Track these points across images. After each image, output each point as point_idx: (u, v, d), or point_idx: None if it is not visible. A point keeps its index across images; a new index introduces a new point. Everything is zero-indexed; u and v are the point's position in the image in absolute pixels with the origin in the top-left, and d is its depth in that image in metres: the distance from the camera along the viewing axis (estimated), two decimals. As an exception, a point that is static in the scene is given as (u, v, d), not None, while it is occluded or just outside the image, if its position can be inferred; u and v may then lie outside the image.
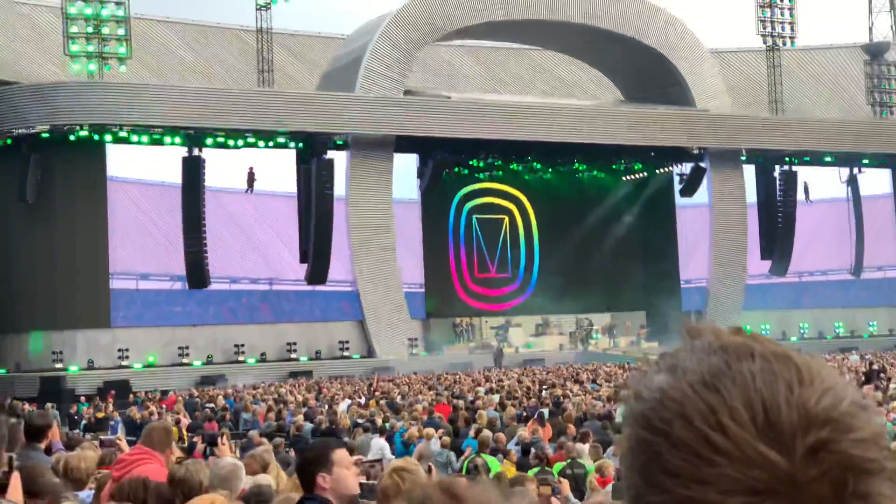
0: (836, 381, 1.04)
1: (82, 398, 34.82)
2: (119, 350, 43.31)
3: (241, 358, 45.16)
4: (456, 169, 51.61)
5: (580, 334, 52.35)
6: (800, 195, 55.67)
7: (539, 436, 16.31)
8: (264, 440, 15.16)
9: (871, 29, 72.57)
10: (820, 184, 56.68)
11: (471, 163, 51.97)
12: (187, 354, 44.27)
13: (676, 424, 1.02)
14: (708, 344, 1.08)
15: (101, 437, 12.83)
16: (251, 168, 46.44)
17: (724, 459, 1.00)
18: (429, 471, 7.70)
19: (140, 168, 44.48)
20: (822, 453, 0.98)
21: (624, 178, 55.85)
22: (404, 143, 47.89)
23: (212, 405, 27.17)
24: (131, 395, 34.69)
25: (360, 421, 20.51)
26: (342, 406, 24.83)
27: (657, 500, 1.03)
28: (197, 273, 44.39)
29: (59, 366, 42.04)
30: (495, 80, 61.54)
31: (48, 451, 8.07)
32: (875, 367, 26.98)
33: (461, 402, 22.04)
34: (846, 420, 1.00)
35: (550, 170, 54.03)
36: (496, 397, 23.87)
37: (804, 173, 55.61)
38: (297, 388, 32.94)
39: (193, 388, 37.09)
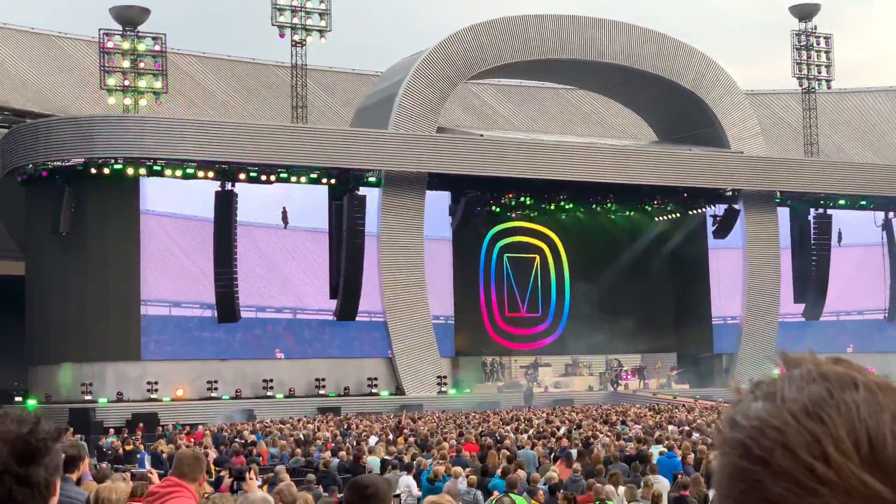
0: None
1: (111, 430, 34.81)
2: (148, 383, 43.35)
3: (269, 393, 45.09)
4: (488, 207, 51.58)
5: (610, 375, 51.98)
6: (833, 239, 55.20)
7: (579, 475, 16.12)
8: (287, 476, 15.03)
9: (907, 73, 72.19)
10: (855, 228, 56.20)
11: (503, 201, 51.93)
12: (216, 388, 44.27)
13: (778, 453, 1.00)
14: (808, 372, 1.04)
15: (133, 471, 12.76)
16: (284, 208, 46.56)
17: (828, 490, 0.98)
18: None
19: (173, 201, 44.69)
20: None
21: (656, 219, 55.59)
22: (436, 181, 47.93)
23: (240, 440, 27.07)
24: (159, 428, 34.65)
25: (387, 458, 20.36)
26: (371, 442, 24.67)
27: None
28: (227, 307, 44.46)
29: (88, 398, 42.13)
30: (528, 118, 61.67)
31: (78, 482, 8.01)
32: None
33: (490, 441, 21.83)
34: None
35: (583, 209, 53.89)
36: (524, 437, 23.65)
37: (839, 217, 55.15)
38: (326, 424, 32.80)
39: (222, 423, 37.01)
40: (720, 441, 1.07)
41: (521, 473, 14.77)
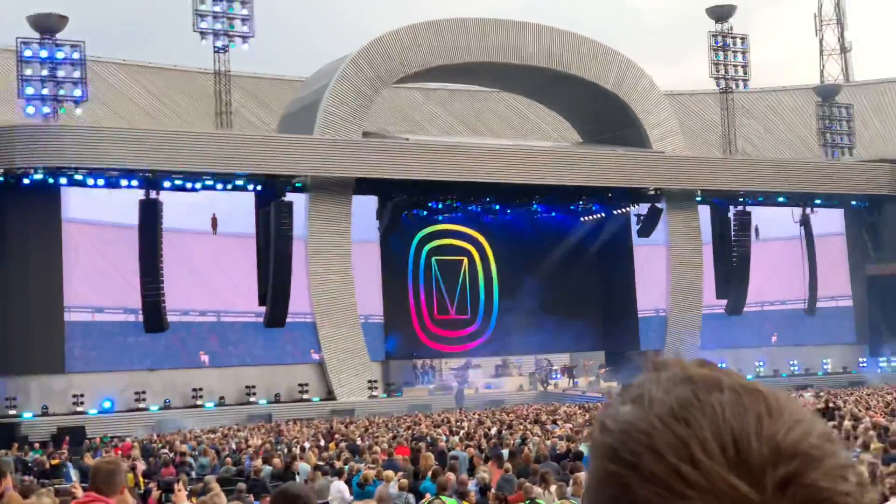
0: (805, 414, 1.04)
1: (36, 445, 34.28)
2: (74, 395, 42.77)
3: (198, 402, 44.74)
4: (415, 210, 51.73)
5: (540, 375, 52.42)
6: (752, 235, 56.24)
7: (511, 474, 16.33)
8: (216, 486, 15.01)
9: (822, 71, 73.91)
10: (774, 223, 57.35)
11: (430, 204, 52.13)
12: (144, 399, 43.81)
13: (646, 457, 1.01)
14: (674, 375, 1.08)
15: (57, 487, 12.66)
16: (213, 215, 46.35)
17: (696, 493, 0.98)
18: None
19: (97, 210, 44.14)
20: (793, 487, 0.98)
21: (582, 220, 56.22)
22: (363, 185, 47.96)
23: (168, 451, 26.87)
24: (86, 441, 34.21)
25: (319, 464, 20.39)
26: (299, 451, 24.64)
27: None
28: (154, 316, 44.02)
29: (12, 412, 41.41)
30: (454, 121, 61.94)
31: (0, 496, 7.97)
32: (830, 404, 27.23)
33: (422, 444, 21.96)
34: (815, 453, 1.00)
35: (509, 211, 54.30)
36: (455, 439, 23.82)
37: (758, 213, 56.25)
38: (256, 432, 32.67)
39: (151, 434, 36.66)
40: (592, 445, 1.08)
41: (452, 476, 14.92)
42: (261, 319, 46.76)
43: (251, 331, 47.28)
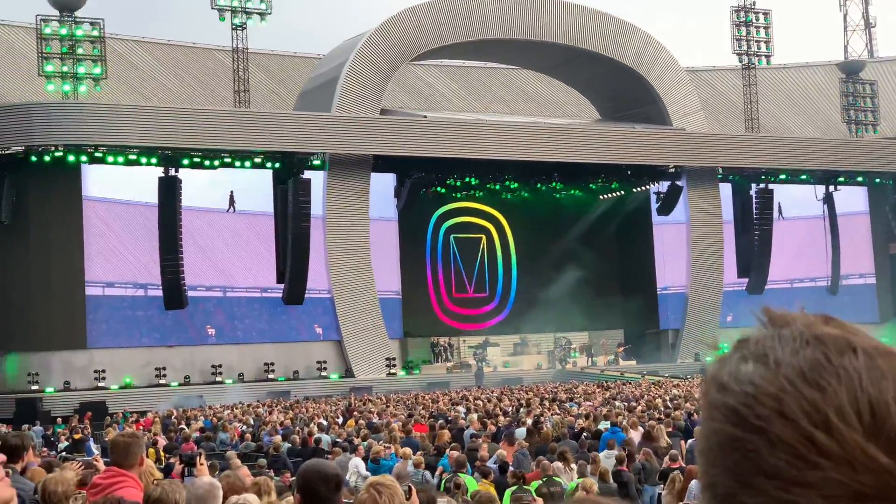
0: None
1: (59, 420, 34.52)
2: (95, 371, 43.04)
3: (218, 379, 44.93)
4: (433, 188, 51.62)
5: (558, 353, 52.36)
6: (775, 213, 55.93)
7: (525, 450, 16.32)
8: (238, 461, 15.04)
9: (846, 47, 73.28)
10: (797, 201, 57.00)
11: (448, 182, 52.01)
12: (164, 375, 44.03)
13: (776, 422, 0.95)
14: (800, 334, 1.00)
15: (79, 459, 12.70)
16: (231, 192, 46.51)
17: (830, 462, 0.93)
18: (408, 491, 7.64)
19: (116, 188, 44.28)
20: None
21: (601, 197, 55.98)
22: (381, 163, 47.89)
23: (188, 427, 26.97)
24: (107, 417, 34.41)
25: (337, 440, 20.44)
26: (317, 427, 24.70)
27: (752, 503, 0.96)
28: (174, 293, 44.17)
29: (35, 388, 41.71)
30: (472, 99, 61.72)
31: (23, 472, 7.98)
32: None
33: (440, 422, 21.96)
34: None
35: (528, 189, 54.11)
36: (475, 416, 23.81)
37: (780, 191, 55.91)
38: (275, 408, 32.77)
39: (172, 409, 36.84)
40: (708, 405, 1.01)
41: (471, 454, 14.90)
42: (279, 296, 46.84)
43: (269, 307, 47.38)
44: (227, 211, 46.94)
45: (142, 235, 44.57)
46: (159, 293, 44.44)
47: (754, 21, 56.93)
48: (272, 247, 47.03)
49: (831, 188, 57.38)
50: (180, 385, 44.10)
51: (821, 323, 1.02)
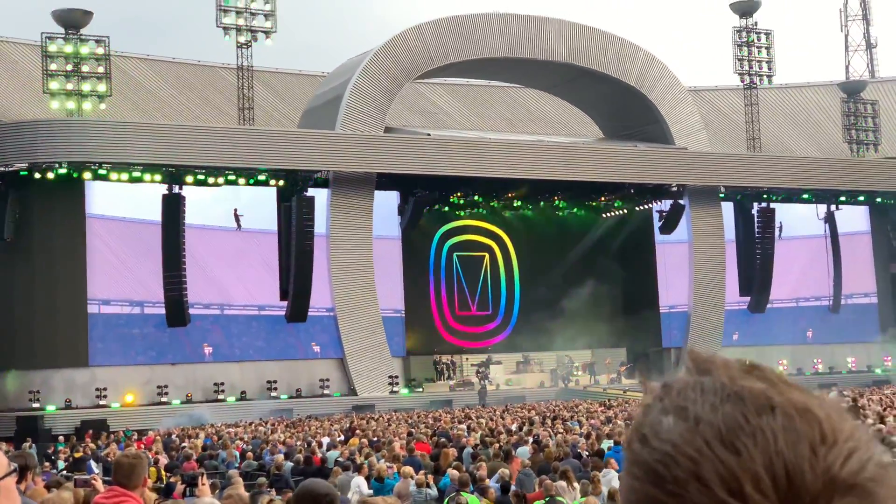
0: (860, 437, 0.98)
1: (60, 438, 34.48)
2: (97, 389, 43.00)
3: (220, 396, 44.89)
4: (436, 206, 51.69)
5: (561, 372, 52.31)
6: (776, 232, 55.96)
7: (529, 469, 16.32)
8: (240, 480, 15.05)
9: (847, 67, 73.42)
10: (799, 220, 57.04)
11: (451, 200, 52.08)
12: (166, 393, 43.99)
13: (692, 487, 0.95)
14: (721, 387, 1.00)
15: (76, 477, 12.70)
16: (235, 210, 46.59)
17: None
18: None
19: (120, 205, 44.35)
20: None
21: (604, 216, 56.04)
22: (385, 181, 47.98)
23: (189, 445, 26.95)
24: (104, 435, 34.26)
25: (340, 459, 20.42)
26: (324, 443, 24.69)
27: None
28: (177, 311, 44.18)
29: (36, 405, 41.67)
30: (476, 117, 61.87)
31: (25, 491, 8.00)
32: (857, 403, 27.04)
33: (443, 440, 21.94)
34: (871, 486, 0.94)
35: (531, 207, 54.17)
36: (477, 435, 23.79)
37: (782, 210, 55.96)
38: (279, 427, 32.74)
39: (172, 428, 36.81)
40: (629, 458, 1.02)
41: (474, 472, 14.89)
42: (282, 313, 46.85)
43: (272, 325, 47.39)
44: (236, 230, 46.93)
45: (146, 253, 44.61)
46: (162, 311, 44.46)
47: (756, 41, 57.08)
48: (275, 264, 47.06)
49: (833, 207, 57.41)
50: (182, 403, 44.05)
51: (744, 373, 1.02)
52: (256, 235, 47.53)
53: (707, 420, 0.97)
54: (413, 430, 27.15)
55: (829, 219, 57.57)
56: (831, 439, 0.96)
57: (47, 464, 24.18)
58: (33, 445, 29.94)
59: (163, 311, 44.40)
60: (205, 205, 45.25)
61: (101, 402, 42.62)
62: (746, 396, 0.99)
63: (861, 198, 57.43)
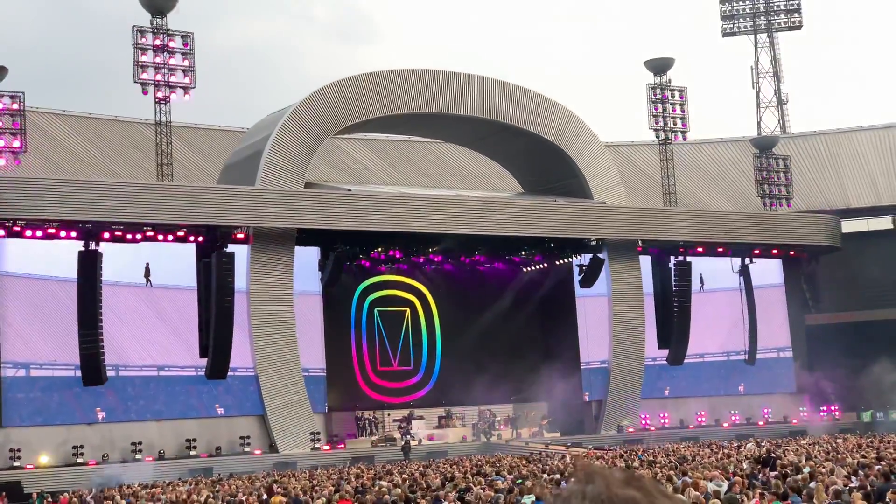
0: None
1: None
2: (11, 450, 41.93)
3: (138, 456, 44.02)
4: (357, 262, 51.64)
5: (482, 426, 52.31)
6: (695, 285, 56.89)
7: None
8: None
9: (759, 123, 75.33)
10: (719, 273, 58.08)
11: (372, 255, 52.09)
12: (82, 454, 43.03)
13: None
14: (598, 495, 1.12)
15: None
16: (147, 264, 45.99)
17: None
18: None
19: (36, 263, 43.58)
20: None
21: (525, 270, 56.48)
22: (305, 236, 47.86)
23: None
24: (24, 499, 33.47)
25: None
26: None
27: None
28: (93, 369, 43.35)
29: (-54, 468, 40.48)
30: (397, 172, 62.14)
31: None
32: (773, 454, 27.49)
33: (367, 498, 21.76)
34: None
35: (451, 261, 54.40)
36: (398, 491, 23.62)
37: (700, 263, 56.95)
38: (197, 487, 32.17)
39: (88, 489, 35.94)
40: None
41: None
42: (202, 373, 46.26)
43: (192, 384, 46.75)
44: (146, 286, 46.32)
45: (61, 311, 43.81)
46: (78, 372, 43.59)
47: (670, 98, 58.35)
48: (195, 321, 46.50)
49: (747, 261, 58.59)
50: (98, 464, 43.11)
51: (623, 483, 1.14)
52: (174, 292, 46.98)
53: None
54: (338, 486, 26.89)
55: (744, 272, 58.73)
56: None
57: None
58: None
59: (78, 371, 43.54)
60: (125, 261, 44.65)
61: (15, 464, 41.55)
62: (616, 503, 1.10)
63: (774, 251, 58.71)
